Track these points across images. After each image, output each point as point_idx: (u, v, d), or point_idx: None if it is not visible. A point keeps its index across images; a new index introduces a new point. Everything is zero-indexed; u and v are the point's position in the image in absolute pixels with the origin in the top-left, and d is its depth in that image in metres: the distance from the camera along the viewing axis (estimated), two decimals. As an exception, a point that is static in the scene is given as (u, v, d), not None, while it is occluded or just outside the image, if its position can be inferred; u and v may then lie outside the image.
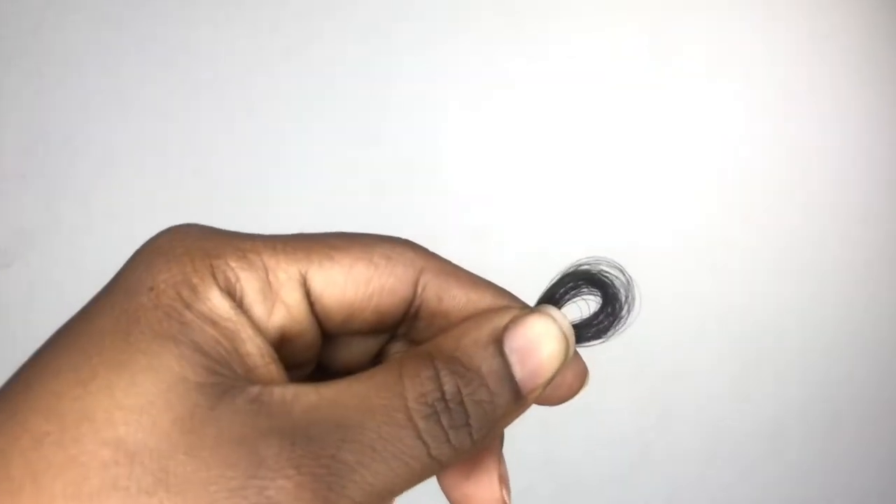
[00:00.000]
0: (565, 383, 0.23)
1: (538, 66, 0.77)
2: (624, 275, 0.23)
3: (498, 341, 0.21)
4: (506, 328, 0.21)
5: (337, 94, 0.71)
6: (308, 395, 0.20)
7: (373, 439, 0.19)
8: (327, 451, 0.19)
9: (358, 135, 0.72)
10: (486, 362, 0.21)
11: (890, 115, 0.89)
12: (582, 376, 0.24)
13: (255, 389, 0.19)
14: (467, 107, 0.75)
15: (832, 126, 0.87)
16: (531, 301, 0.24)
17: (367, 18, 0.72)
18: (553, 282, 0.23)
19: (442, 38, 0.74)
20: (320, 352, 0.24)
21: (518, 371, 0.21)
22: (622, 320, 0.23)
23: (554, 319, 0.22)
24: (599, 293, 0.23)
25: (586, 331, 0.23)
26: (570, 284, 0.23)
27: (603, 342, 0.23)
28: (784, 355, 0.85)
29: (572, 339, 0.22)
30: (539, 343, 0.21)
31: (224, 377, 0.19)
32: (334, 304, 0.22)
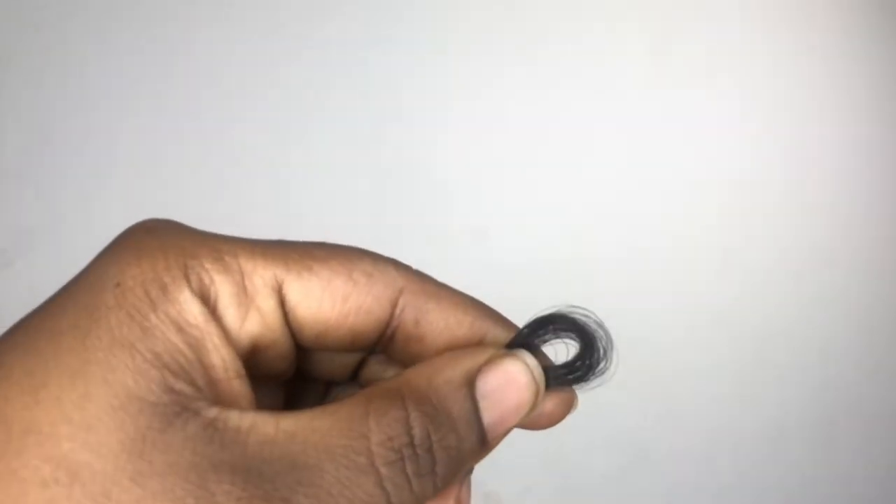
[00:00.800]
0: (545, 413, 0.23)
1: (539, 65, 0.77)
2: (605, 332, 0.23)
3: (471, 384, 0.21)
4: (479, 370, 0.21)
5: (338, 94, 0.71)
6: (265, 427, 0.19)
7: (330, 483, 0.18)
8: (280, 493, 0.18)
9: (358, 135, 0.72)
10: (457, 405, 0.20)
11: (891, 117, 0.89)
12: (566, 405, 0.23)
13: (210, 413, 0.18)
14: (467, 107, 0.75)
15: (833, 127, 0.87)
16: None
17: (368, 19, 0.72)
18: (535, 319, 0.23)
19: (442, 39, 0.74)
20: (298, 362, 0.23)
21: (486, 417, 0.21)
22: (596, 375, 0.23)
23: (527, 367, 0.21)
24: (580, 343, 0.22)
25: (559, 377, 0.23)
26: (553, 327, 0.22)
27: (571, 391, 0.23)
28: (784, 356, 0.85)
29: (542, 386, 0.22)
30: (509, 391, 0.21)
31: (180, 395, 0.18)
32: (309, 318, 0.22)
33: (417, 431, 0.19)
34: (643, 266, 0.79)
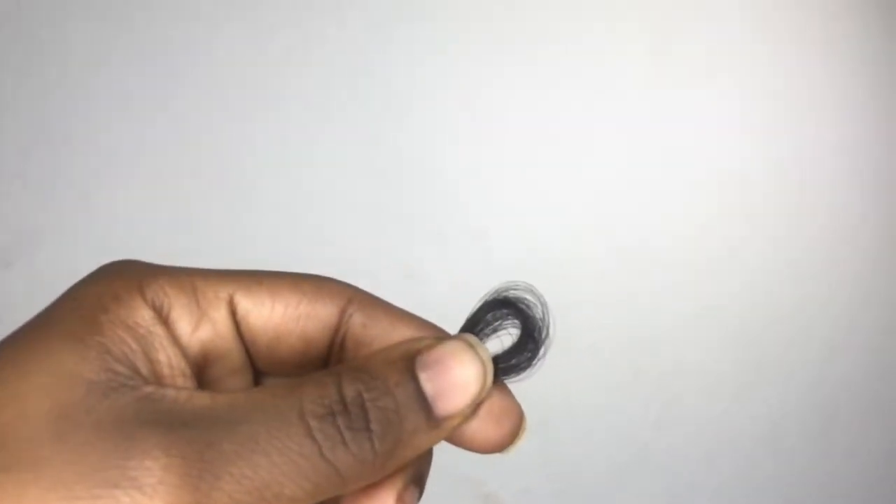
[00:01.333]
0: (492, 421, 0.22)
1: (539, 65, 0.77)
2: (542, 306, 0.22)
3: (409, 359, 0.21)
4: (419, 350, 0.21)
5: (338, 94, 0.71)
6: (202, 398, 0.19)
7: (258, 432, 0.18)
8: (204, 438, 0.18)
9: (359, 135, 0.72)
10: (394, 376, 0.20)
11: (889, 116, 0.89)
12: (514, 417, 0.22)
13: (147, 389, 0.19)
14: (468, 107, 0.75)
15: (832, 127, 0.87)
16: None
17: (368, 19, 0.72)
18: (473, 311, 0.23)
19: (442, 39, 0.74)
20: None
21: (429, 388, 0.20)
22: (540, 356, 0.22)
23: (469, 344, 0.21)
24: (520, 326, 0.22)
25: (506, 364, 0.22)
26: (492, 315, 0.22)
27: (523, 378, 0.23)
28: (783, 355, 0.85)
29: (489, 364, 0.22)
30: (451, 363, 0.21)
31: (120, 375, 0.19)
32: (260, 325, 0.22)
33: (348, 392, 0.20)
34: (643, 266, 0.79)
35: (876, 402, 0.88)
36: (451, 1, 0.75)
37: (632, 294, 0.78)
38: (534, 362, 0.22)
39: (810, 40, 0.87)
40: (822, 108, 0.87)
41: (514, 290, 0.22)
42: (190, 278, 0.22)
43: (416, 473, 0.22)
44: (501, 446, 0.22)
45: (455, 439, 0.22)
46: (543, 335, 0.22)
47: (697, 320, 0.82)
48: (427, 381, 0.20)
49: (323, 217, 0.70)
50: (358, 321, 0.23)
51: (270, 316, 0.22)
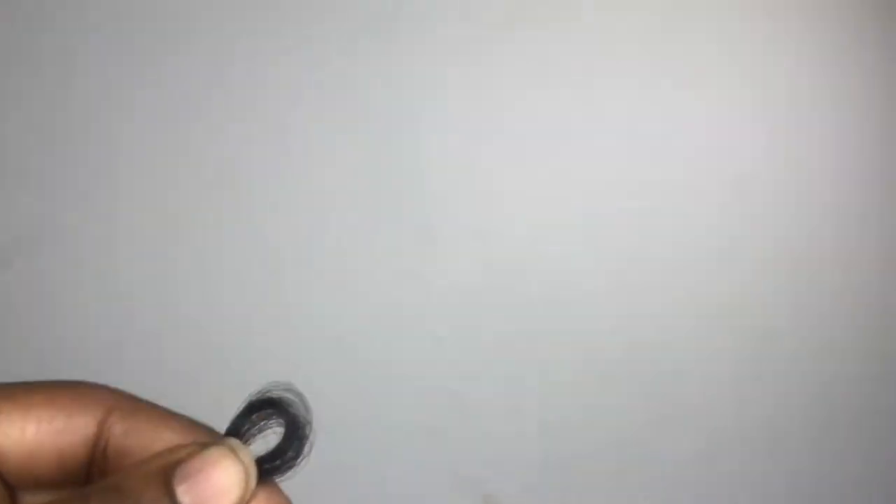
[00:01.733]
0: None
1: (540, 65, 0.77)
2: (303, 403, 0.22)
3: (167, 472, 0.20)
4: (178, 461, 0.20)
5: (338, 93, 0.71)
6: None
7: None
8: None
9: (357, 135, 0.72)
10: (149, 492, 0.19)
11: (891, 117, 0.89)
12: None
13: None
14: (467, 106, 0.75)
15: (833, 128, 0.87)
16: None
17: (367, 17, 0.72)
18: (238, 413, 0.22)
19: (442, 38, 0.74)
20: None
21: (187, 501, 0.19)
22: (305, 454, 0.22)
23: (230, 448, 0.21)
24: (284, 424, 0.22)
25: (271, 464, 0.22)
26: (256, 416, 0.22)
27: (290, 476, 0.22)
28: (784, 357, 0.85)
29: (252, 468, 0.21)
30: (211, 471, 0.20)
31: None
32: (11, 446, 0.21)
33: None
34: (643, 265, 0.79)
35: (876, 402, 0.88)
36: (450, 1, 0.75)
37: (631, 294, 0.78)
38: (298, 460, 0.22)
39: (812, 41, 0.86)
40: (824, 109, 0.87)
41: (276, 389, 0.22)
42: None
43: None
44: None
45: None
46: (307, 432, 0.22)
47: (697, 320, 0.82)
48: (185, 494, 0.19)
49: (322, 216, 0.70)
50: (119, 430, 0.22)
51: (22, 435, 0.21)
